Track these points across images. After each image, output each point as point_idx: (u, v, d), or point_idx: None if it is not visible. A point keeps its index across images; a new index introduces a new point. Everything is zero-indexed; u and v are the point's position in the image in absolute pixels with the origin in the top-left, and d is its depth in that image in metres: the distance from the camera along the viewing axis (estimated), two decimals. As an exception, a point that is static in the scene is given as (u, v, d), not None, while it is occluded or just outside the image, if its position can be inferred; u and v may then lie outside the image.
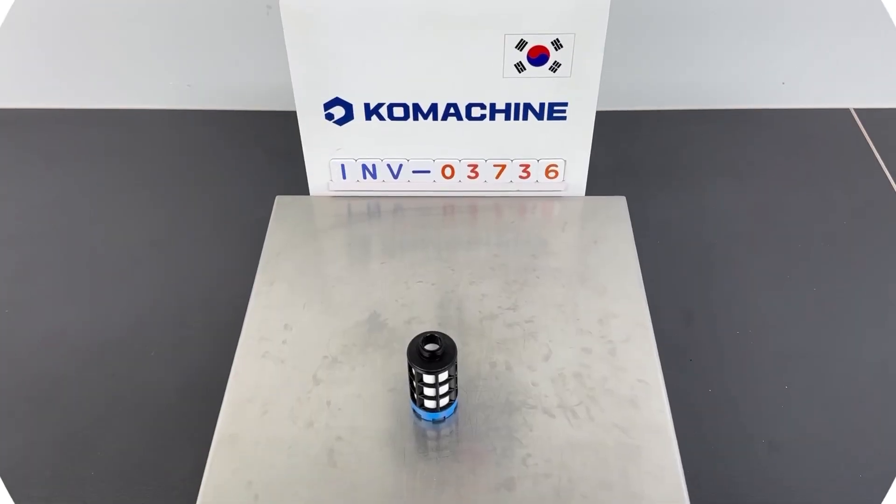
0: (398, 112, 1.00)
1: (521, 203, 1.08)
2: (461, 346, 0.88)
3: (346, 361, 0.88)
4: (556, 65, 0.94)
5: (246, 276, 0.99)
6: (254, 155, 1.42)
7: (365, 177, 1.07)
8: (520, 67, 0.95)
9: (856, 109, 1.48)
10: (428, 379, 0.76)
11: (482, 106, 0.99)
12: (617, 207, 1.07)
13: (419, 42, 0.93)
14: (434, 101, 0.99)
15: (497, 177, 1.07)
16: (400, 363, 0.87)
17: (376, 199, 1.09)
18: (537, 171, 1.06)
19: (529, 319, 0.92)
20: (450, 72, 0.96)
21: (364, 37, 0.93)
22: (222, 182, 1.37)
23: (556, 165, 1.05)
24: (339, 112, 1.00)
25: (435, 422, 0.81)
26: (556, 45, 0.93)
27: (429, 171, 1.06)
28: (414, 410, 0.82)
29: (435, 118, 1.00)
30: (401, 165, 1.06)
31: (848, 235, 1.26)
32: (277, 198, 1.09)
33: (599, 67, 0.95)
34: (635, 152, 1.41)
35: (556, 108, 0.99)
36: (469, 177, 1.07)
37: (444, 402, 0.79)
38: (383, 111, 1.00)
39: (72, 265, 1.23)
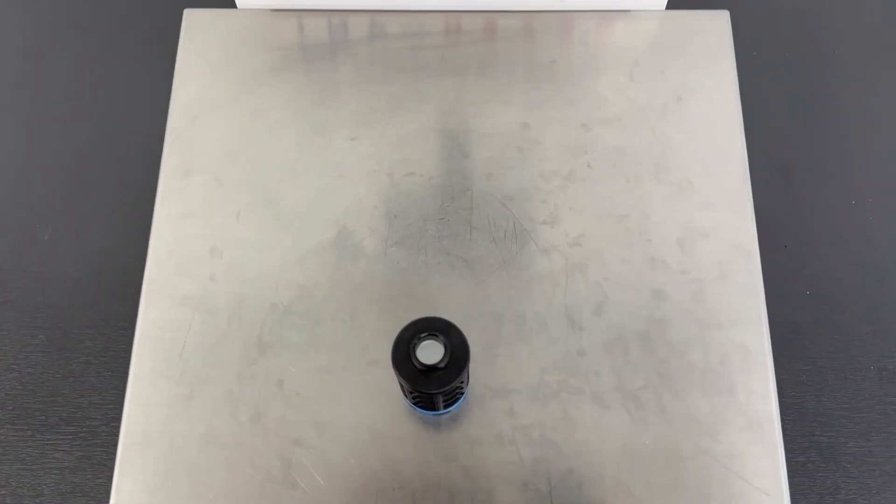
0: None
1: (565, 23, 0.70)
2: (471, 291, 0.60)
3: (304, 313, 0.60)
4: None
5: (160, 100, 0.67)
6: None
7: (322, -18, 0.68)
8: None
9: None
10: (424, 394, 0.50)
11: None
12: (717, 30, 0.70)
13: None
14: None
15: (531, -17, 0.68)
16: (387, 317, 0.59)
17: (341, 16, 0.70)
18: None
19: (575, 241, 0.62)
20: None
21: None
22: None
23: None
24: None
25: (437, 415, 0.56)
26: None
27: (423, -25, 0.67)
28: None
29: None
30: (378, -35, 0.66)
31: None
32: (186, 12, 0.71)
33: None
34: None
35: None
36: (486, -17, 0.68)
37: (449, 400, 0.53)
38: None
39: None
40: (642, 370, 0.58)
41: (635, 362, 0.58)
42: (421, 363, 0.47)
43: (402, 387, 0.52)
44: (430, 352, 0.48)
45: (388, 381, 0.57)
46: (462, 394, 0.54)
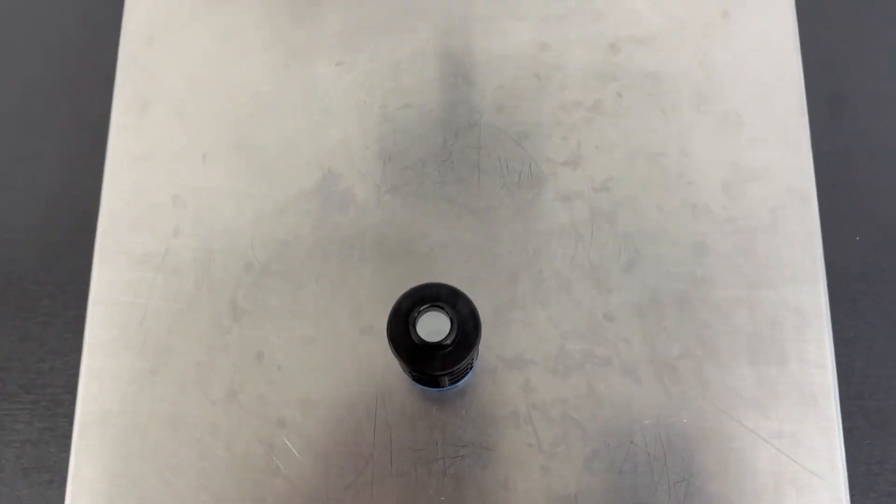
0: None
1: (588, -76, 0.59)
2: (480, 246, 0.51)
3: (285, 274, 0.51)
4: None
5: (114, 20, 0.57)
6: None
7: None
8: None
9: None
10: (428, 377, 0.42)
11: None
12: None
13: None
14: None
15: None
16: (381, 277, 0.51)
17: (323, -83, 0.59)
18: None
19: (602, 185, 0.52)
20: None
21: None
22: None
23: None
24: None
25: (441, 391, 0.48)
26: None
27: None
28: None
29: None
30: None
31: None
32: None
33: None
34: None
35: None
36: None
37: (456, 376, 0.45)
38: None
39: None
40: (680, 337, 0.49)
41: (672, 328, 0.49)
42: (422, 340, 0.39)
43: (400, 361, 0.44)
44: (433, 326, 0.40)
45: (384, 352, 0.49)
46: (471, 368, 0.46)
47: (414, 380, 0.46)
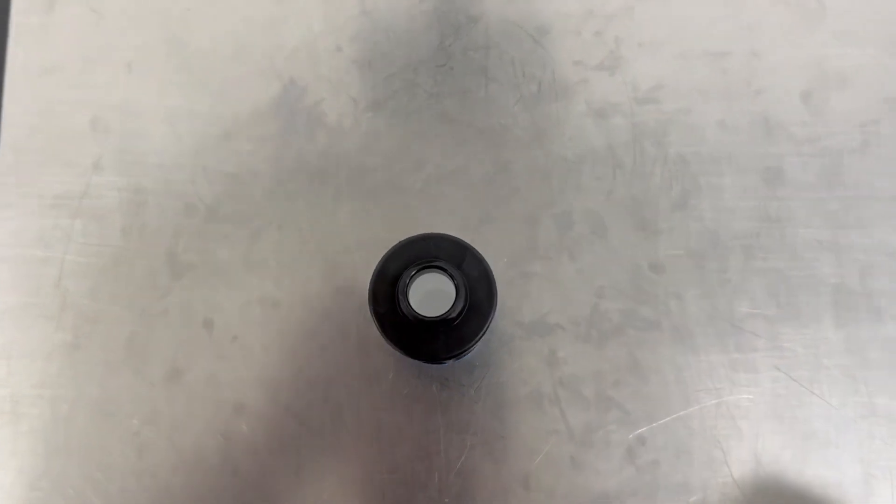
0: None
1: None
2: (489, 179, 0.39)
3: (237, 218, 0.39)
4: None
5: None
6: None
7: None
8: None
9: None
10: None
11: None
12: None
13: None
14: None
15: None
16: (362, 221, 0.39)
17: None
18: None
19: (647, 96, 0.40)
20: None
21: None
22: None
23: None
24: None
25: (441, 365, 0.38)
26: None
27: None
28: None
29: None
30: None
31: None
32: None
33: None
34: None
35: None
36: None
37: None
38: None
39: None
40: (747, 291, 0.38)
41: (737, 280, 0.39)
42: (417, 315, 0.28)
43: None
44: (431, 293, 0.29)
45: (368, 318, 0.38)
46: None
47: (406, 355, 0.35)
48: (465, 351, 0.30)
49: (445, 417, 0.37)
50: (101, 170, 0.40)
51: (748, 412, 0.37)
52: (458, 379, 0.38)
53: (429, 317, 0.28)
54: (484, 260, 0.29)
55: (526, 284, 0.38)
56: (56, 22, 0.42)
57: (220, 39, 0.41)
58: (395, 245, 0.29)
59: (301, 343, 0.38)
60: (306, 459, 0.37)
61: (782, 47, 0.41)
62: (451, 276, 0.28)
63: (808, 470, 0.37)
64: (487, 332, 0.35)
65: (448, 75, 0.41)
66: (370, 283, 0.29)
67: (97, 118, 0.41)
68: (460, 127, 0.40)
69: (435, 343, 0.29)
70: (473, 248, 0.29)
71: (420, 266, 0.28)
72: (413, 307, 0.28)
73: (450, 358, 0.30)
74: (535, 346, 0.38)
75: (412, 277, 0.28)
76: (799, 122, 0.40)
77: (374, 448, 0.37)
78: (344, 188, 0.39)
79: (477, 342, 0.30)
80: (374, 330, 0.37)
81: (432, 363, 0.36)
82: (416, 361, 0.37)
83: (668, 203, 0.39)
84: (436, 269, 0.28)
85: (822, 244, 0.39)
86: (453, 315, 0.28)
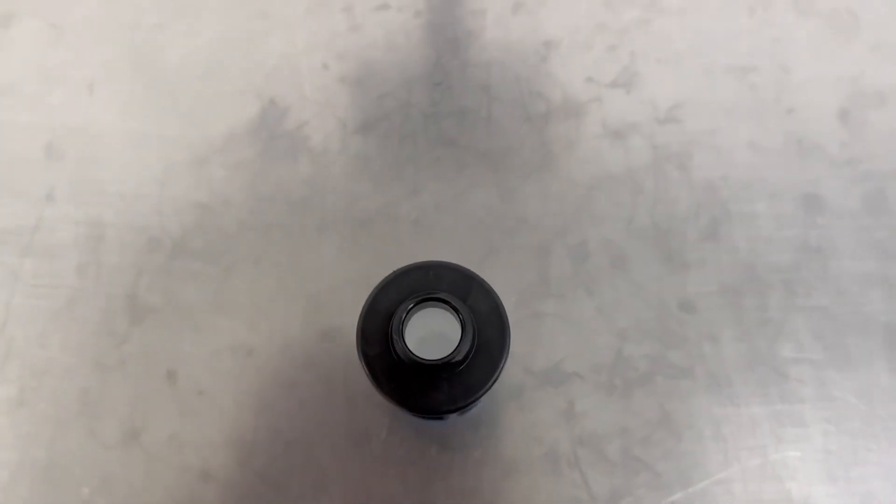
0: None
1: None
2: (493, 206, 0.35)
3: (208, 253, 0.35)
4: None
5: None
6: None
7: None
8: None
9: None
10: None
11: None
12: None
13: None
14: None
15: None
16: (350, 256, 0.35)
17: None
18: None
19: (668, 115, 0.36)
20: None
21: None
22: None
23: None
24: None
25: (441, 420, 0.33)
26: None
27: None
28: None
29: None
30: None
31: None
32: None
33: None
34: None
35: None
36: None
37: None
38: None
39: None
40: (790, 331, 0.34)
41: (778, 319, 0.34)
42: (415, 358, 0.23)
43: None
44: (432, 337, 0.24)
45: (357, 367, 0.33)
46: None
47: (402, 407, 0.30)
48: (471, 402, 0.25)
49: (446, 483, 0.32)
50: (54, 201, 0.36)
51: (797, 472, 0.32)
52: (461, 438, 0.33)
53: (429, 360, 0.23)
54: (493, 292, 0.25)
55: (538, 326, 0.33)
56: (12, 38, 0.38)
57: (192, 56, 0.37)
58: (389, 275, 0.25)
59: (278, 397, 0.33)
60: (284, 534, 0.32)
61: (813, 62, 0.37)
62: (456, 311, 0.23)
63: (870, 541, 0.32)
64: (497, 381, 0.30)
65: (446, 94, 0.37)
66: (359, 320, 0.25)
67: (53, 144, 0.36)
68: (460, 150, 0.36)
69: (436, 393, 0.24)
70: (481, 278, 0.25)
71: (418, 299, 0.23)
72: (410, 348, 0.23)
73: (453, 411, 0.25)
74: (549, 398, 0.33)
75: (409, 312, 0.23)
76: (837, 143, 0.36)
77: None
78: (329, 218, 0.35)
79: (486, 391, 0.25)
80: (363, 380, 0.32)
81: (432, 418, 0.31)
82: (413, 417, 0.32)
83: (696, 232, 0.35)
84: (437, 303, 0.23)
85: (870, 277, 0.34)
86: (458, 357, 0.23)
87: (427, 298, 0.24)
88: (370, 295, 0.25)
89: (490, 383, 0.25)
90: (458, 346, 0.23)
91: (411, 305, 0.23)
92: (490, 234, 0.35)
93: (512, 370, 0.33)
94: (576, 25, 0.38)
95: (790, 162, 0.36)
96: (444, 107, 0.37)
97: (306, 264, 0.34)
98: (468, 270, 0.25)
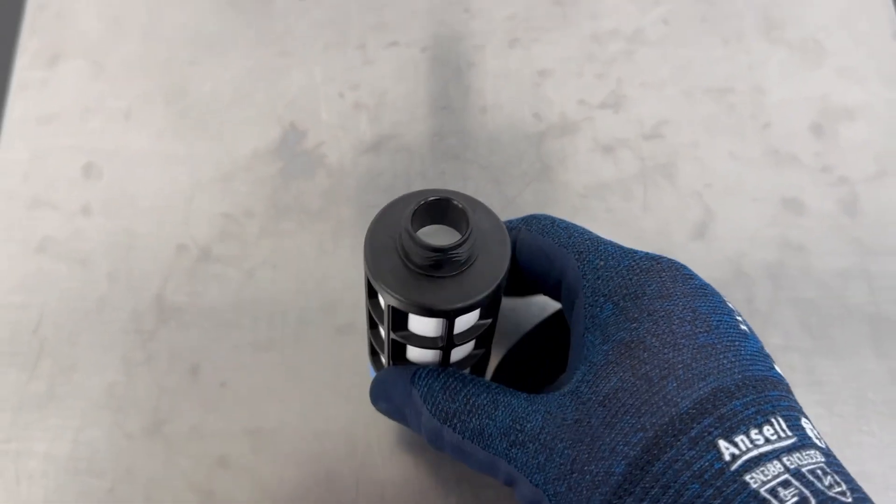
0: None
1: None
2: (496, 214, 0.38)
3: (232, 259, 0.37)
4: None
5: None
6: None
7: None
8: None
9: None
10: (421, 327, 0.28)
11: None
12: None
13: None
14: None
15: None
16: (363, 261, 0.37)
17: None
18: None
19: (654, 131, 0.40)
20: None
21: None
22: None
23: None
24: None
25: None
26: None
27: None
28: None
29: None
30: None
31: None
32: None
33: None
34: None
35: None
36: None
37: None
38: None
39: None
40: (777, 323, 0.36)
41: (766, 311, 0.36)
42: (423, 242, 0.25)
43: (370, 324, 0.30)
44: (435, 227, 0.27)
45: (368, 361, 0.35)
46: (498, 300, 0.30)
47: (410, 304, 0.29)
48: (475, 304, 0.26)
49: (462, 466, 0.33)
50: (90, 213, 0.39)
51: (793, 455, 0.33)
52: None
53: (438, 244, 0.24)
54: (495, 215, 0.27)
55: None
56: (58, 75, 0.42)
57: (221, 88, 0.41)
58: (396, 199, 0.27)
59: (294, 391, 0.35)
60: (298, 521, 0.33)
61: (786, 84, 0.41)
62: (462, 210, 0.25)
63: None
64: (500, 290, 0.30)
65: (451, 116, 0.40)
66: (366, 234, 0.26)
67: (91, 164, 0.40)
68: (463, 164, 0.39)
69: (442, 291, 0.25)
70: (485, 205, 0.27)
71: (428, 198, 0.25)
72: (420, 239, 0.25)
73: (459, 312, 0.26)
74: (551, 385, 0.35)
75: (419, 206, 0.25)
76: (812, 153, 0.39)
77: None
78: (345, 228, 0.38)
79: (489, 296, 0.26)
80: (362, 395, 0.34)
81: (437, 316, 0.30)
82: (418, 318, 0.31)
83: (683, 234, 0.37)
84: (440, 218, 0.26)
85: (851, 271, 0.37)
86: (463, 251, 0.25)
87: (436, 199, 0.25)
88: (377, 215, 0.27)
89: (493, 287, 0.26)
90: (464, 236, 0.25)
91: (421, 201, 0.25)
92: (493, 237, 0.37)
93: (515, 359, 0.35)
94: (567, 56, 0.42)
95: (769, 170, 0.39)
96: (448, 127, 0.40)
97: (322, 267, 0.37)
98: (472, 198, 0.27)
